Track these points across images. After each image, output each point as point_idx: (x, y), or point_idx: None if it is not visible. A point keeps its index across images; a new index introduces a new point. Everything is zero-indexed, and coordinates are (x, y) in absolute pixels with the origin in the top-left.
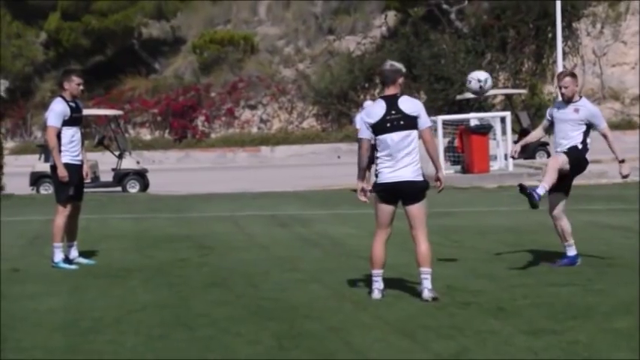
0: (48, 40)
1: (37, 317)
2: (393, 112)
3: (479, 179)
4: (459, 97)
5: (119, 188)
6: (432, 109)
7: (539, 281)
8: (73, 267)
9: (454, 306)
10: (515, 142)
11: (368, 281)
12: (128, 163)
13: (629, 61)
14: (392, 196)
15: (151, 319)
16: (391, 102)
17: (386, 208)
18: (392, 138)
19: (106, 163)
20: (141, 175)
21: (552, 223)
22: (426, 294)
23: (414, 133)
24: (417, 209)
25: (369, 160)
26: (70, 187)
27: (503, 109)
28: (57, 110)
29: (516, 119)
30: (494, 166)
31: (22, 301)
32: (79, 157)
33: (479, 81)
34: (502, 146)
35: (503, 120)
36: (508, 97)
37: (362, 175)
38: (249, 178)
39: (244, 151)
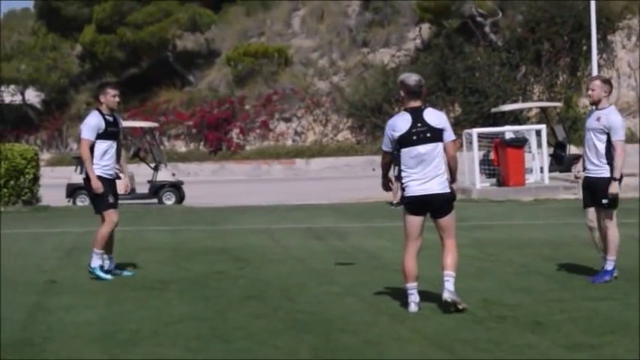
0: (83, 52)
1: (74, 329)
2: (419, 124)
3: (514, 192)
4: (493, 109)
5: (155, 200)
6: (466, 122)
7: (577, 295)
8: (108, 277)
9: (491, 320)
10: (551, 156)
11: (404, 294)
12: (164, 175)
13: None
14: (420, 208)
15: (188, 332)
16: (417, 114)
17: (415, 220)
18: (418, 150)
19: (141, 175)
20: (176, 187)
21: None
22: (447, 295)
23: (440, 145)
24: (446, 221)
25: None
26: (107, 195)
27: (539, 122)
28: (91, 123)
29: (552, 132)
30: (530, 179)
31: (59, 313)
32: (111, 172)
33: None
34: (538, 159)
35: (538, 133)
36: (543, 110)
37: (384, 183)
38: (284, 191)
39: (279, 164)
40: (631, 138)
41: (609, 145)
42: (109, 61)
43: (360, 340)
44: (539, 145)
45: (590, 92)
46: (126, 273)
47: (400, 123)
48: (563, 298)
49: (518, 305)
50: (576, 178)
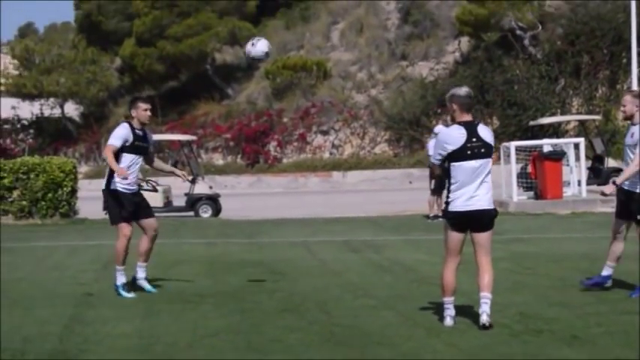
0: (123, 65)
1: (110, 341)
2: (474, 139)
3: (552, 205)
4: (532, 122)
5: (192, 213)
6: (504, 135)
7: (614, 309)
8: (131, 295)
9: (527, 334)
10: (589, 169)
11: (440, 308)
12: (201, 187)
13: None
14: (465, 224)
15: (224, 345)
16: (471, 129)
17: (458, 236)
18: (472, 165)
19: (179, 187)
20: (213, 200)
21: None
22: (485, 318)
23: (490, 161)
24: (486, 237)
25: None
26: (123, 208)
27: (577, 135)
28: (118, 133)
29: (590, 145)
30: (568, 192)
31: (95, 326)
32: (133, 187)
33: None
34: (575, 172)
35: (576, 146)
36: (582, 123)
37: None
38: (320, 204)
39: (316, 176)
40: None
41: None
42: (148, 74)
43: (395, 353)
44: (577, 158)
45: (622, 108)
46: (149, 288)
47: (455, 136)
48: (600, 311)
49: (555, 319)
50: (605, 195)
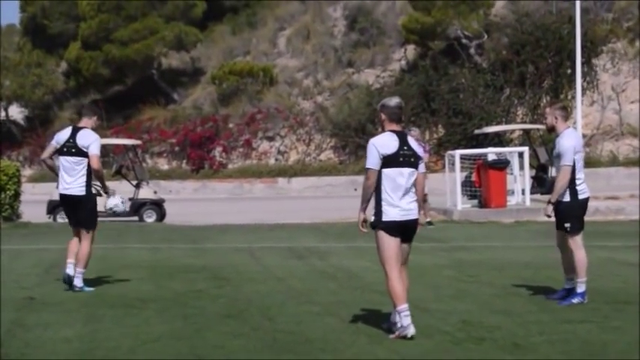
0: (68, 69)
1: (52, 346)
2: (406, 147)
3: (496, 214)
4: (477, 131)
5: (136, 218)
6: (449, 143)
7: (556, 318)
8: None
9: (469, 341)
10: (533, 178)
11: (383, 315)
12: (145, 192)
13: None
14: (398, 232)
15: (166, 350)
16: (402, 138)
17: (395, 242)
18: (403, 173)
19: (123, 192)
20: (158, 205)
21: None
22: (412, 330)
23: (417, 173)
24: (409, 247)
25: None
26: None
27: (521, 144)
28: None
29: (534, 154)
30: (512, 201)
31: (37, 330)
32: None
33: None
34: (519, 181)
35: (520, 155)
36: (526, 132)
37: (365, 207)
38: (265, 210)
39: (261, 183)
40: (613, 161)
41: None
42: (93, 77)
43: None
44: (522, 167)
45: (544, 121)
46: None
47: (389, 142)
48: (542, 320)
49: (497, 327)
50: (548, 217)
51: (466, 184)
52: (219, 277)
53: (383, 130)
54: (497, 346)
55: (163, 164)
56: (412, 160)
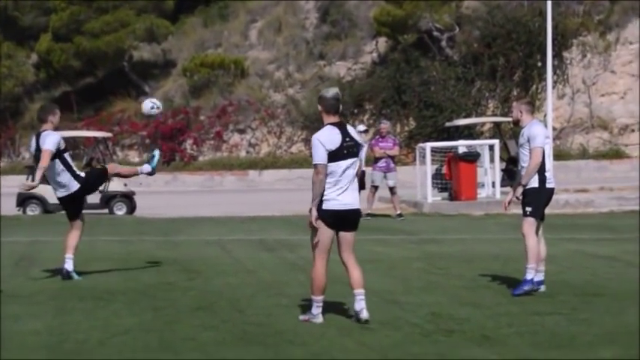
0: (39, 60)
1: (20, 339)
2: (348, 139)
3: (466, 206)
4: (448, 124)
5: (106, 210)
6: (420, 136)
7: (525, 310)
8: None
9: (439, 333)
10: (503, 171)
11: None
12: (115, 185)
13: (618, 91)
14: (338, 222)
15: (136, 343)
16: (343, 129)
17: (330, 234)
18: (347, 165)
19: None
20: (128, 198)
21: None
22: (365, 314)
23: (358, 160)
24: (353, 236)
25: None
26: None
27: (492, 137)
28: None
29: (504, 147)
30: (482, 193)
31: (5, 323)
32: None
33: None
34: (490, 174)
35: (491, 148)
36: (497, 124)
37: (318, 202)
38: (236, 202)
39: (232, 175)
40: (583, 154)
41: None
42: (64, 69)
43: (307, 352)
44: (492, 160)
45: (510, 115)
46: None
47: (333, 137)
48: (511, 312)
49: (466, 319)
50: (517, 199)
51: (437, 176)
52: (189, 269)
53: (322, 122)
54: (467, 337)
55: (134, 156)
56: (354, 149)
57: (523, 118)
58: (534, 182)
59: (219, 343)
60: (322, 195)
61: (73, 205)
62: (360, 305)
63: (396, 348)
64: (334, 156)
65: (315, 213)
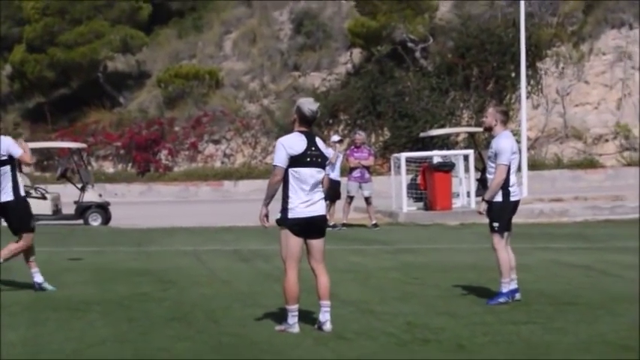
0: (12, 72)
1: None
2: (313, 148)
3: (441, 216)
4: (422, 134)
5: (81, 221)
6: (395, 147)
7: (500, 319)
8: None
9: (414, 343)
10: (478, 180)
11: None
12: (90, 195)
13: (592, 101)
14: (304, 230)
15: (110, 353)
16: (310, 138)
17: (298, 242)
18: (311, 173)
19: (68, 195)
20: (103, 208)
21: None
22: (329, 326)
23: (323, 172)
24: (322, 243)
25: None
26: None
27: (466, 147)
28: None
29: (479, 157)
30: (457, 203)
31: None
32: None
33: None
34: (465, 184)
35: (466, 158)
36: (471, 135)
37: (268, 203)
38: (211, 213)
39: (207, 185)
40: (557, 163)
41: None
42: (38, 80)
43: None
44: (467, 170)
45: (484, 119)
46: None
47: (297, 142)
48: (486, 321)
49: (442, 328)
50: (480, 214)
51: (412, 186)
52: (164, 280)
53: (293, 129)
54: (442, 347)
55: (109, 167)
56: (319, 160)
57: (496, 128)
58: (498, 196)
59: (194, 354)
60: (287, 203)
61: (6, 215)
62: (325, 317)
63: (372, 357)
64: (296, 162)
65: (264, 211)
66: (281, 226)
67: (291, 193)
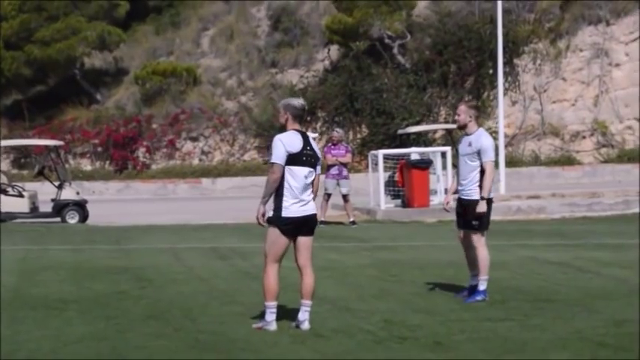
0: None
1: None
2: (308, 147)
3: (419, 213)
4: (400, 131)
5: (58, 219)
6: (373, 143)
7: (477, 316)
8: None
9: (391, 340)
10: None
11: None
12: (68, 193)
13: (569, 98)
14: (296, 229)
15: (88, 351)
16: (305, 138)
17: (286, 242)
18: (306, 173)
19: (45, 193)
20: (80, 206)
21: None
22: (306, 325)
23: (315, 172)
24: (310, 241)
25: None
26: None
27: (444, 144)
28: None
29: (457, 154)
30: (434, 200)
31: None
32: None
33: None
34: (442, 181)
35: (443, 155)
36: (449, 131)
37: (267, 201)
38: (189, 210)
39: (185, 183)
40: (535, 160)
41: (482, 169)
42: (15, 77)
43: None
44: (444, 167)
45: (456, 117)
46: None
47: (295, 140)
48: (463, 318)
49: (419, 326)
50: (447, 210)
51: (389, 183)
52: (141, 278)
53: (285, 129)
54: (419, 344)
55: (86, 165)
56: (312, 160)
57: (470, 125)
58: (475, 194)
59: (171, 352)
60: (282, 202)
61: None
62: (304, 316)
63: (349, 355)
64: (293, 160)
65: (262, 210)
66: (272, 224)
67: (285, 192)
